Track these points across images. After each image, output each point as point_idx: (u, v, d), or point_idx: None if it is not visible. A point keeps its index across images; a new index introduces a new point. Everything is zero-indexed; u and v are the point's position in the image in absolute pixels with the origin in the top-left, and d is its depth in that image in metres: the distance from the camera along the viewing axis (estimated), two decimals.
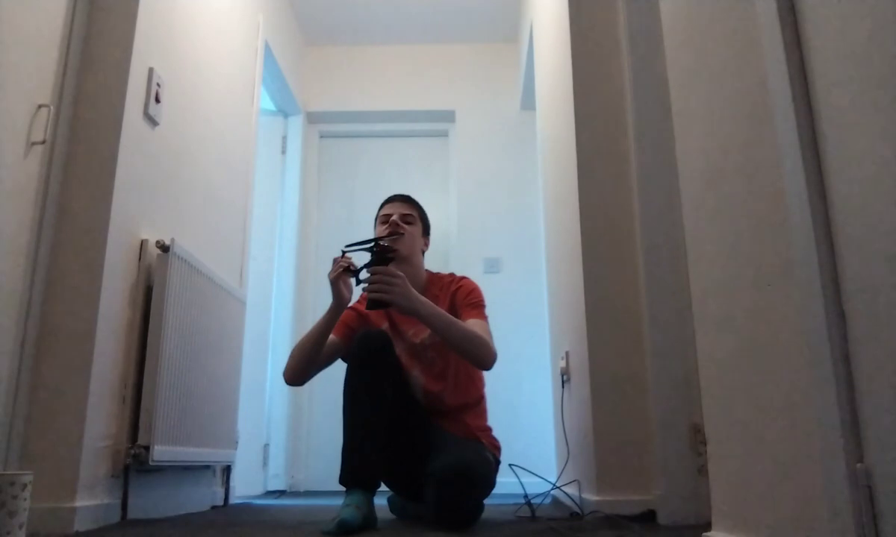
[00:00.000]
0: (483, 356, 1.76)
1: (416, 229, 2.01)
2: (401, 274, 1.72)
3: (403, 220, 1.97)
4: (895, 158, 0.67)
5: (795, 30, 0.87)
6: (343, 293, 1.77)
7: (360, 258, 1.80)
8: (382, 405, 1.70)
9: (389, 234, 1.92)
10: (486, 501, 1.76)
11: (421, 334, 1.93)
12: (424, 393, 1.91)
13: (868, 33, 0.71)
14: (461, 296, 1.93)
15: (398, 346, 1.90)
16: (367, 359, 1.73)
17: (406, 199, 2.06)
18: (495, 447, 1.96)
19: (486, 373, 1.96)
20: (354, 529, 1.52)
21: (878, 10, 0.70)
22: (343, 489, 1.68)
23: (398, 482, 1.95)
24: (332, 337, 1.89)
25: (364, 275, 1.74)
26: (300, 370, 1.88)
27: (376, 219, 2.04)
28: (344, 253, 1.79)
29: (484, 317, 1.88)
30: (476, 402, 1.98)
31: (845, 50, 0.76)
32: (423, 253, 2.07)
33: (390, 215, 1.98)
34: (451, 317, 1.76)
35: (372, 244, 1.78)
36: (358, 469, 1.66)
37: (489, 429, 1.99)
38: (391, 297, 1.68)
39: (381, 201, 2.08)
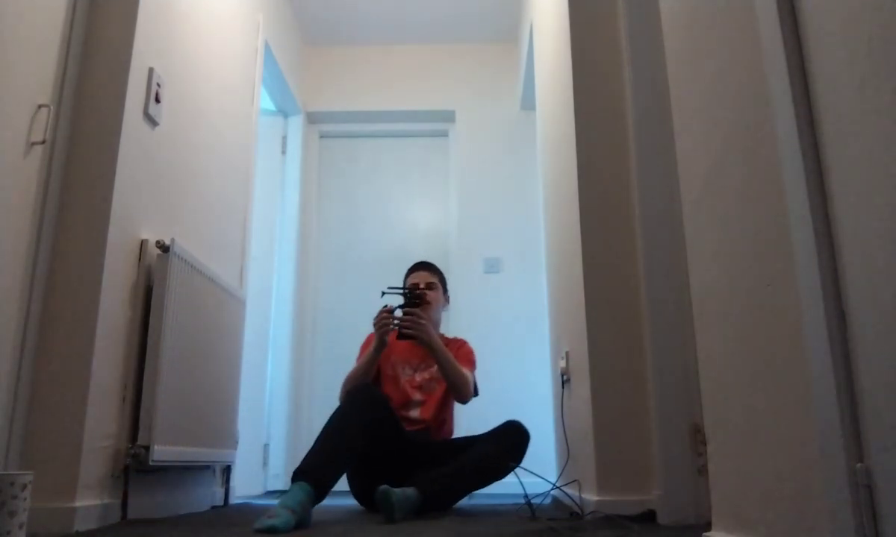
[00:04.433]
0: (466, 394, 2.35)
1: (438, 294, 2.52)
2: (425, 317, 2.26)
3: (428, 287, 2.48)
4: (895, 158, 0.67)
5: (795, 30, 0.87)
6: (386, 338, 2.25)
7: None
8: (366, 436, 1.98)
9: (421, 289, 2.43)
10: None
11: (422, 374, 2.45)
12: (422, 415, 2.38)
13: (868, 33, 0.71)
14: (463, 353, 2.48)
15: (403, 377, 2.44)
16: (366, 404, 2.04)
17: (429, 267, 2.59)
18: None
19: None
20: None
21: (878, 9, 0.70)
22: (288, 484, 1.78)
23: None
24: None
25: (398, 313, 2.26)
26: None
27: (405, 281, 2.56)
28: (384, 293, 2.31)
29: (473, 371, 2.44)
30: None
31: (845, 50, 0.76)
32: (446, 307, 2.60)
33: (417, 284, 2.48)
34: (453, 357, 2.32)
35: (405, 290, 2.35)
36: (320, 466, 1.80)
37: None
38: (418, 333, 2.23)
39: (408, 268, 2.59)
